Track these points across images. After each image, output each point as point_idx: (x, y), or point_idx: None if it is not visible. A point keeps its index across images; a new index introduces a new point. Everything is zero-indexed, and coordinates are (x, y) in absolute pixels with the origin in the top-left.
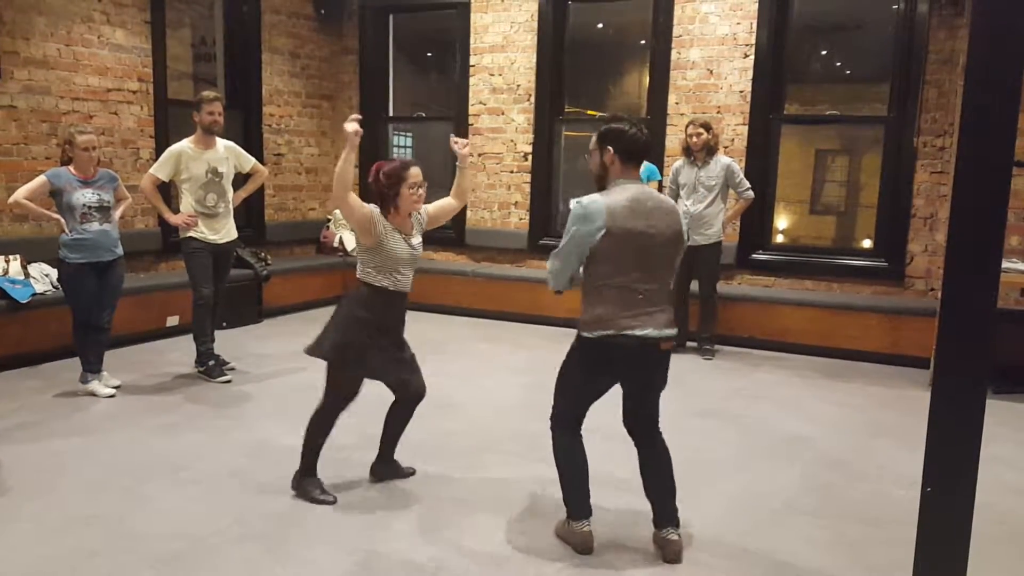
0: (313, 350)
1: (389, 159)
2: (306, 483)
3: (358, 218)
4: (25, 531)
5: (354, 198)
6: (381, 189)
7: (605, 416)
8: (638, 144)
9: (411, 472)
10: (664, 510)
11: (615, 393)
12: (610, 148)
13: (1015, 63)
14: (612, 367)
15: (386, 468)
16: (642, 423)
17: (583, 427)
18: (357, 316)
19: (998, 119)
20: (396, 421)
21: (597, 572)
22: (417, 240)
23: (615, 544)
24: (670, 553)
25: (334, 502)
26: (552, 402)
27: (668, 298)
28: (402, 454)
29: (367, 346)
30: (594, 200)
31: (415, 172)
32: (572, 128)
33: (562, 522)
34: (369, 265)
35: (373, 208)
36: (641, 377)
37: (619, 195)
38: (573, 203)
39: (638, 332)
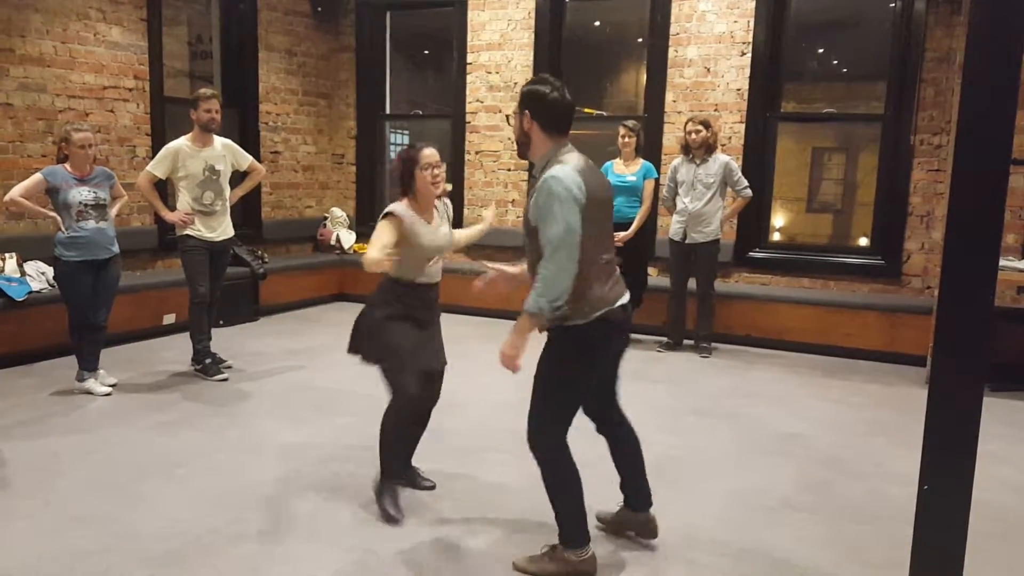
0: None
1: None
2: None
3: (386, 235)
4: (21, 529)
5: (385, 245)
6: (398, 173)
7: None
8: (559, 110)
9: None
10: (643, 492)
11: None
12: (527, 112)
13: (1012, 61)
14: (609, 347)
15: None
16: (611, 400)
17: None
18: None
19: (995, 117)
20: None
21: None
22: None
23: (617, 542)
24: (651, 531)
25: (397, 522)
26: (535, 425)
27: None
28: None
29: None
30: (566, 172)
31: (428, 152)
32: None
33: (552, 554)
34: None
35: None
36: (619, 348)
37: (577, 162)
38: (544, 182)
39: (622, 301)
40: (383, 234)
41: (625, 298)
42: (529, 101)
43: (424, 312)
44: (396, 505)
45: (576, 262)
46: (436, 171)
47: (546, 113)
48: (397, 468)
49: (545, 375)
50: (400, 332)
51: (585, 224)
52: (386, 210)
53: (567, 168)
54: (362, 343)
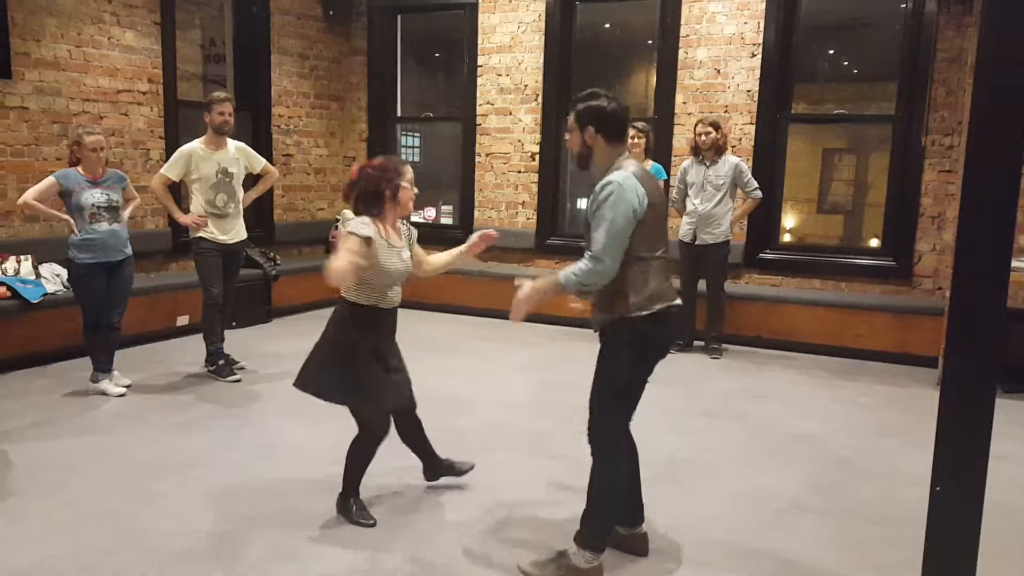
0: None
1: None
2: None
3: (360, 253)
4: (35, 529)
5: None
6: (376, 187)
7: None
8: (619, 119)
9: (470, 467)
10: (640, 505)
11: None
12: (591, 127)
13: None
14: (665, 344)
15: (443, 468)
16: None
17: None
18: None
19: (1007, 117)
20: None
21: (606, 572)
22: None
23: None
24: (645, 548)
25: (373, 525)
26: (597, 420)
27: None
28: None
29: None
30: (626, 176)
31: (409, 167)
32: None
33: (559, 560)
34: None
35: (360, 229)
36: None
37: (636, 168)
38: (603, 187)
39: (678, 301)
40: (352, 247)
41: (679, 299)
42: (591, 116)
43: (388, 340)
44: (365, 512)
45: (618, 263)
46: (415, 190)
47: (608, 125)
48: (358, 484)
49: (604, 377)
50: (366, 368)
51: (640, 227)
52: (358, 230)
53: (629, 176)
54: (317, 377)
